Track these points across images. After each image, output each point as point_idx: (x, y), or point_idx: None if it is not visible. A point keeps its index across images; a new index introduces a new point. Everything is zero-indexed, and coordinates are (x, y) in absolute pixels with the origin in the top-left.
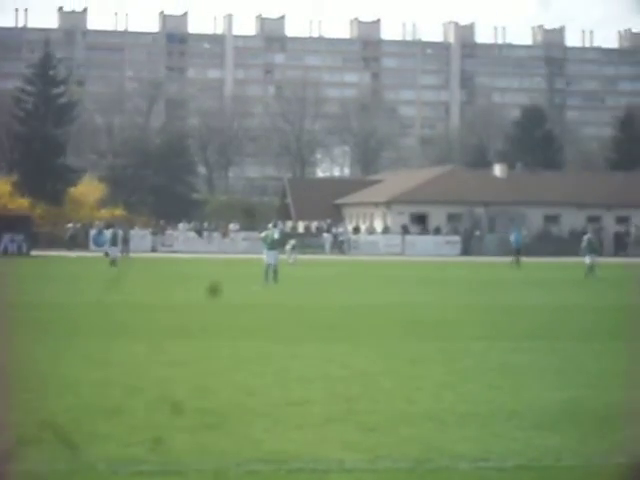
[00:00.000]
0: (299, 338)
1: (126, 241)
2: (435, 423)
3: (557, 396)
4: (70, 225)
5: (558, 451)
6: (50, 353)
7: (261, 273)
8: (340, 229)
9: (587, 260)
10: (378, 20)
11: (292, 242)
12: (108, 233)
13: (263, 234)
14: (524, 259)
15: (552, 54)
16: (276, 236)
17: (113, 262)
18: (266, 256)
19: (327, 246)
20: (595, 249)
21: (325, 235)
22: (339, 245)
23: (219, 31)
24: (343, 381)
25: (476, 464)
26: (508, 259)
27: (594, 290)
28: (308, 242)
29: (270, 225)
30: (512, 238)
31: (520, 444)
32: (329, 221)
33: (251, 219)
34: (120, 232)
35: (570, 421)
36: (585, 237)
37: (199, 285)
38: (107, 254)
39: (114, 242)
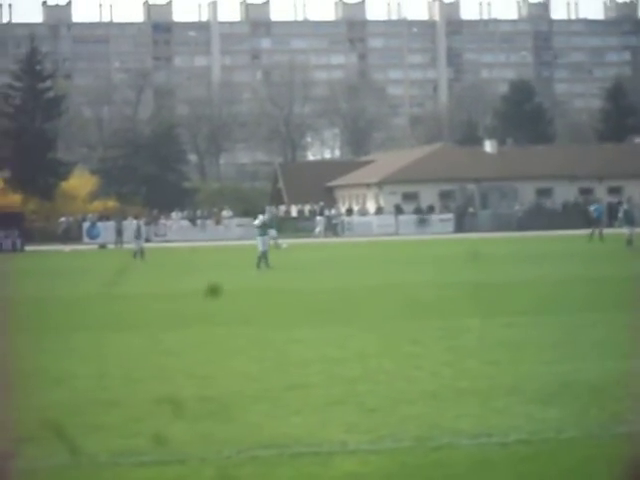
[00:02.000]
0: (296, 322)
1: (120, 232)
2: (435, 401)
3: (555, 369)
4: (63, 219)
5: (558, 424)
6: (47, 348)
7: (255, 259)
8: (333, 211)
9: (626, 231)
10: (363, 1)
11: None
12: (102, 226)
13: (257, 221)
14: (520, 234)
15: (538, 27)
16: (256, 223)
17: (137, 254)
18: (257, 242)
19: (321, 229)
20: (632, 220)
21: (318, 218)
22: (333, 227)
23: (204, 18)
24: (342, 363)
25: (477, 440)
26: (586, 232)
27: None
28: (302, 226)
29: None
30: (592, 209)
31: (520, 418)
32: (322, 204)
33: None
34: (141, 224)
35: (569, 393)
36: (621, 208)
37: (193, 274)
38: (102, 246)
39: (138, 235)
